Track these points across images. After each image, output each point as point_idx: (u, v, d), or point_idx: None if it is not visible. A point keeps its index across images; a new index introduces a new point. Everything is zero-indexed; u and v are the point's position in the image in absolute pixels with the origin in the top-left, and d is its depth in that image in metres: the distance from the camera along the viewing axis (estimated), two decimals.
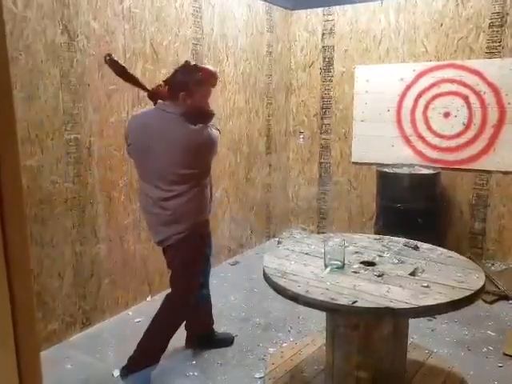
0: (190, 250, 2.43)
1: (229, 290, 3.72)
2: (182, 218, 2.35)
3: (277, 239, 5.04)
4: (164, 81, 2.34)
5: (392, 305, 1.83)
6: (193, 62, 2.33)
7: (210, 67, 2.36)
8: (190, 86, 2.22)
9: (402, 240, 2.65)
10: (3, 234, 0.47)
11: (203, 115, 2.31)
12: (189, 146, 2.23)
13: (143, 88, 2.41)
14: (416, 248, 2.51)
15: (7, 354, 0.49)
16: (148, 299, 3.51)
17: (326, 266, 2.18)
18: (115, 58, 2.31)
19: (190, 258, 2.45)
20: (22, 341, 0.51)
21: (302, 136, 5.17)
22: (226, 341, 2.90)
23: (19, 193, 0.49)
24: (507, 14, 3.94)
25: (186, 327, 2.84)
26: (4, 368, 0.49)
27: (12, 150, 0.48)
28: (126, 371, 2.43)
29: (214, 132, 2.34)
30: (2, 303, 0.49)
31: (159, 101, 2.34)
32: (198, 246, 2.50)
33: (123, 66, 2.33)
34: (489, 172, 4.19)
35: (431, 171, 4.17)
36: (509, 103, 4.01)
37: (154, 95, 2.37)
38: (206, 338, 2.85)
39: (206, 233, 2.59)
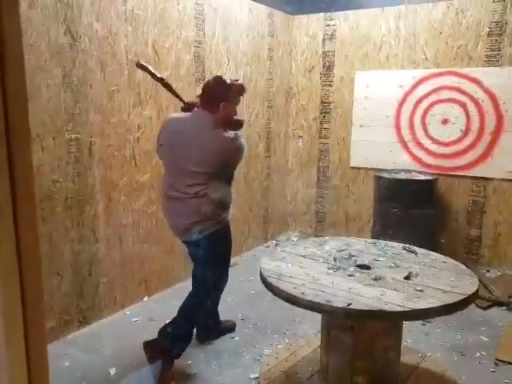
0: (211, 244, 2.60)
1: (226, 292, 3.72)
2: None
3: (274, 242, 5.06)
4: (201, 94, 2.59)
5: (386, 308, 1.86)
6: (223, 76, 2.61)
7: (240, 81, 2.66)
8: (229, 97, 2.52)
9: (398, 244, 2.69)
10: (16, 233, 0.50)
11: (236, 124, 2.63)
12: (221, 150, 2.48)
13: (179, 98, 2.71)
14: (415, 253, 2.54)
15: (17, 346, 0.52)
16: (145, 299, 3.53)
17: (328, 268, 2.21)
18: (145, 64, 2.66)
19: (212, 253, 2.64)
20: (31, 333, 0.53)
21: (300, 139, 5.21)
22: (230, 328, 3.14)
23: (31, 194, 0.51)
24: (506, 23, 3.98)
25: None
26: (14, 358, 0.51)
27: (25, 153, 0.50)
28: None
29: (243, 142, 2.59)
30: (13, 298, 0.52)
31: (195, 109, 2.59)
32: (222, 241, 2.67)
33: (162, 78, 2.68)
34: (486, 179, 4.22)
35: (428, 177, 4.20)
36: (506, 111, 4.05)
37: (189, 105, 2.66)
38: (212, 330, 3.04)
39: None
